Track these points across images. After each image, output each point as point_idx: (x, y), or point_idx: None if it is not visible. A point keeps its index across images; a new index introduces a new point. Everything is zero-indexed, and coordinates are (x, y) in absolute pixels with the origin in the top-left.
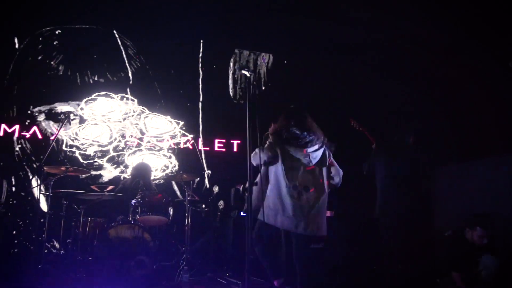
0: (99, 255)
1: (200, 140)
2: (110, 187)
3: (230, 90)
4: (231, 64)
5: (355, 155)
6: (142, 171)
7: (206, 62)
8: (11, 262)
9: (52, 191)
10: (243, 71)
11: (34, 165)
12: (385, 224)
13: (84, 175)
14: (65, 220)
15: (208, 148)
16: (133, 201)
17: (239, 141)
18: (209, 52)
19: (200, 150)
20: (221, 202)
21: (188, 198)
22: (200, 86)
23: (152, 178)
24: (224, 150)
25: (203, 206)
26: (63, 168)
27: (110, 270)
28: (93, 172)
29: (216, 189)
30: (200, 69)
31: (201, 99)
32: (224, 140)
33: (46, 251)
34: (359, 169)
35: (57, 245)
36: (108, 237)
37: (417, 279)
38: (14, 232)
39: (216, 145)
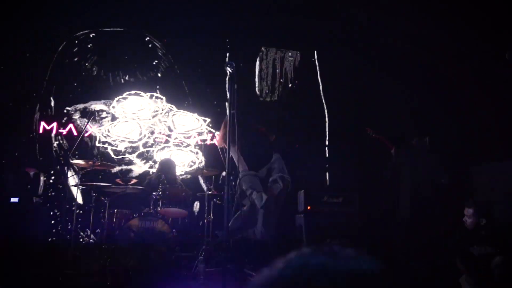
0: (121, 244)
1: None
2: (134, 181)
3: (256, 88)
4: (258, 62)
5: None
6: (165, 167)
7: (233, 60)
8: (49, 250)
9: (80, 184)
10: (226, 68)
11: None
12: (416, 225)
13: (116, 169)
14: (94, 211)
15: None
16: (154, 194)
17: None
18: (236, 51)
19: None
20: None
21: (210, 192)
22: (227, 84)
23: (177, 173)
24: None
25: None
26: (90, 162)
27: (131, 259)
28: (124, 167)
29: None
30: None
31: (227, 97)
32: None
33: (81, 240)
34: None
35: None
36: (130, 228)
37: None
38: (52, 222)
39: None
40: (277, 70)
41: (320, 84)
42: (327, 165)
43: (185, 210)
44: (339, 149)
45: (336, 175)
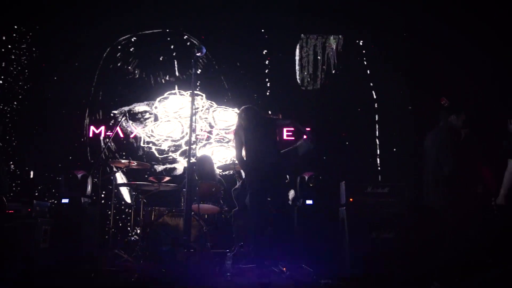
0: (153, 241)
1: None
2: (167, 178)
3: (297, 77)
4: (298, 50)
5: None
6: (199, 163)
7: (271, 52)
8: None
9: (117, 184)
10: (196, 51)
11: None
12: None
13: (160, 168)
14: (135, 210)
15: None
16: (184, 191)
17: (308, 129)
18: (274, 42)
19: None
20: (292, 192)
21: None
22: (267, 76)
23: (215, 169)
24: (293, 138)
25: None
26: (126, 162)
27: (162, 255)
28: (168, 165)
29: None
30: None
31: (268, 90)
32: (292, 128)
33: (131, 237)
34: None
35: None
36: (162, 224)
37: None
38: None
39: (285, 133)
40: (319, 57)
41: (368, 69)
42: (377, 153)
43: (217, 206)
44: (390, 137)
45: (387, 165)
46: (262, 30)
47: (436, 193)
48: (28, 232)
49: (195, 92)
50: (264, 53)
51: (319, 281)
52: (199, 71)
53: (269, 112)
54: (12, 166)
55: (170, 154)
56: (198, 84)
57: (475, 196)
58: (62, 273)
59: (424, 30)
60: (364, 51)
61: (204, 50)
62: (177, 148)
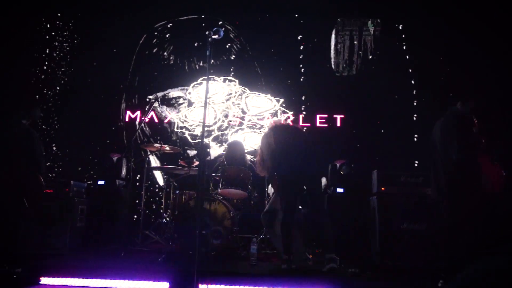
0: (181, 223)
1: (301, 116)
2: (197, 163)
3: (332, 63)
4: (333, 35)
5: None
6: (228, 149)
7: (306, 37)
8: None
9: (150, 167)
10: (213, 34)
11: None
12: None
13: (193, 153)
14: (166, 193)
15: (309, 124)
16: (214, 175)
17: (342, 116)
18: (309, 27)
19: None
20: (324, 179)
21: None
22: (301, 62)
23: (245, 154)
24: (326, 125)
25: None
26: (157, 146)
27: (188, 236)
28: None
29: None
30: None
31: (302, 76)
32: (326, 115)
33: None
34: None
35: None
36: (190, 208)
37: None
38: (137, 201)
39: (318, 120)
40: (355, 42)
41: (407, 55)
42: (415, 139)
43: (244, 191)
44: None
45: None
46: (296, 15)
47: (444, 184)
48: (66, 211)
49: (229, 78)
50: (298, 38)
51: (346, 269)
52: (232, 57)
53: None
54: (54, 147)
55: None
56: (231, 70)
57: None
58: (93, 251)
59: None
60: (403, 36)
61: (222, 33)
62: (209, 133)
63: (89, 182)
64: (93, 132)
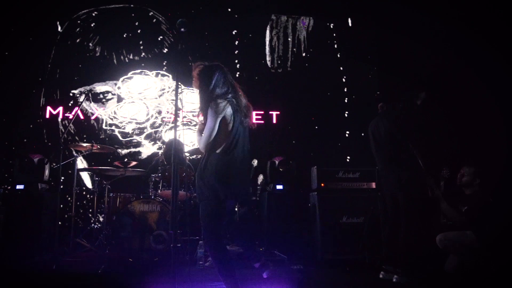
0: (119, 229)
1: None
2: (134, 163)
3: (267, 59)
4: (268, 31)
5: None
6: (167, 148)
7: (241, 32)
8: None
9: (80, 169)
10: (179, 27)
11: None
12: None
13: (124, 152)
14: (98, 196)
15: None
16: (153, 176)
17: (278, 112)
18: (244, 22)
19: None
20: (261, 176)
21: None
22: (236, 57)
23: (184, 153)
24: (262, 122)
25: None
26: (89, 145)
27: (129, 243)
28: (132, 149)
29: (255, 163)
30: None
31: (237, 71)
32: (262, 112)
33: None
34: None
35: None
36: (129, 211)
37: None
38: (61, 206)
39: (254, 117)
40: (289, 39)
41: (338, 53)
42: (346, 135)
43: (186, 192)
44: (359, 122)
45: (356, 151)
46: (229, 10)
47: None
48: None
49: (162, 72)
50: (233, 33)
51: (291, 266)
52: (165, 50)
53: None
54: None
55: (135, 137)
56: (164, 64)
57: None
58: (20, 265)
59: (392, 13)
60: (335, 34)
61: (186, 26)
62: (141, 131)
63: (4, 187)
64: (6, 129)
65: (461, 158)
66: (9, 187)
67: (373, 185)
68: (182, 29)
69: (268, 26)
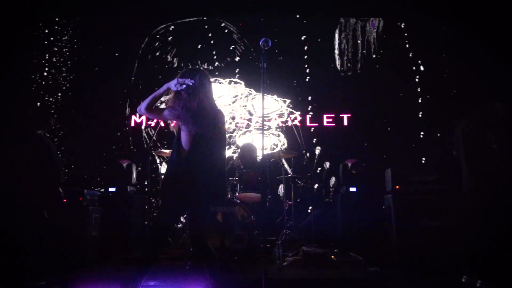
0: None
1: (308, 116)
2: None
3: (337, 62)
4: (337, 34)
5: None
6: (242, 151)
7: (310, 37)
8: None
9: (161, 173)
10: (263, 45)
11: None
12: None
13: None
14: None
15: (317, 124)
16: (231, 180)
17: (349, 115)
18: (313, 27)
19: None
20: (333, 179)
21: (289, 175)
22: (306, 62)
23: (258, 157)
24: (333, 125)
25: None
26: (169, 152)
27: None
28: None
29: (327, 165)
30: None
31: (307, 76)
32: (333, 115)
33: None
34: None
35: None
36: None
37: None
38: (146, 207)
39: (325, 120)
40: (359, 41)
41: (410, 52)
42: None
43: (260, 194)
44: (434, 123)
45: (431, 153)
46: (297, 16)
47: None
48: (80, 220)
49: (234, 80)
50: (302, 38)
51: (367, 268)
52: (237, 59)
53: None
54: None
55: None
56: (236, 71)
57: None
58: (114, 260)
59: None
60: (406, 34)
61: (270, 43)
62: None
63: (100, 190)
64: (97, 138)
65: None
66: (102, 190)
67: (451, 187)
68: (266, 48)
69: (337, 29)
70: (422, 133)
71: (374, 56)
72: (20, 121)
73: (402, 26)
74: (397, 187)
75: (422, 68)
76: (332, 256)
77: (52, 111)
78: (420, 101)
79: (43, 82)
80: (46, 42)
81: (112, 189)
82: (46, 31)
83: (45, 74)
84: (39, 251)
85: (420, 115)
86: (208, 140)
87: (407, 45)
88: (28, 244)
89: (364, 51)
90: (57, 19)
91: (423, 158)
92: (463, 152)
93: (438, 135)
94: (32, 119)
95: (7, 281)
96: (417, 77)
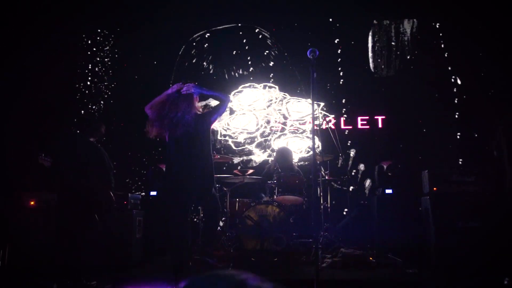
0: (241, 232)
1: (343, 119)
2: (251, 171)
3: (371, 64)
4: (370, 36)
5: None
6: (280, 155)
7: (343, 40)
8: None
9: None
10: (310, 54)
11: None
12: None
13: (237, 160)
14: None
15: (351, 127)
16: (270, 183)
17: (383, 117)
18: (346, 30)
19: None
20: (368, 181)
21: (324, 178)
22: (340, 65)
23: (294, 160)
24: (367, 127)
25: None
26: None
27: (250, 244)
28: (244, 157)
29: (362, 167)
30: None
31: (341, 79)
32: (367, 117)
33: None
34: None
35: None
36: (249, 216)
37: None
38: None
39: (359, 122)
40: (393, 43)
41: (446, 52)
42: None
43: (300, 197)
44: (471, 123)
45: (469, 153)
46: (330, 20)
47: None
48: (125, 223)
49: (269, 84)
50: (336, 42)
51: (406, 270)
52: (271, 64)
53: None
54: None
55: (246, 146)
56: (271, 76)
57: None
58: (155, 263)
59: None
60: (441, 34)
61: (318, 52)
62: (252, 140)
63: (140, 193)
64: (138, 144)
65: None
66: (143, 194)
67: (491, 188)
68: (311, 57)
69: (370, 31)
70: (459, 133)
71: (408, 57)
72: (74, 129)
73: (437, 26)
74: (435, 188)
75: (458, 68)
76: (370, 258)
77: (96, 118)
78: (456, 101)
79: (87, 92)
80: (89, 53)
81: (153, 193)
82: (89, 42)
83: (88, 83)
84: (92, 253)
85: (456, 116)
86: None
87: (442, 45)
88: (84, 245)
89: (398, 52)
90: (98, 31)
91: (460, 159)
92: (506, 152)
93: (476, 135)
94: (85, 127)
95: (61, 280)
96: (453, 77)
